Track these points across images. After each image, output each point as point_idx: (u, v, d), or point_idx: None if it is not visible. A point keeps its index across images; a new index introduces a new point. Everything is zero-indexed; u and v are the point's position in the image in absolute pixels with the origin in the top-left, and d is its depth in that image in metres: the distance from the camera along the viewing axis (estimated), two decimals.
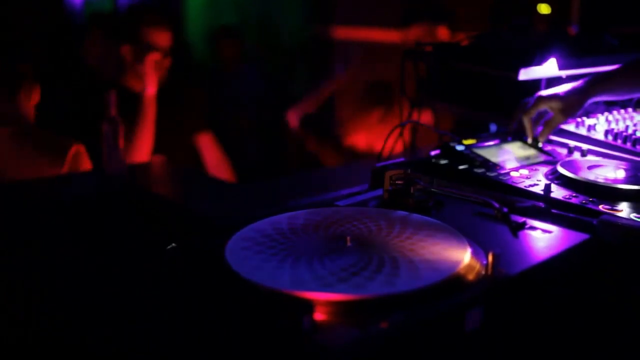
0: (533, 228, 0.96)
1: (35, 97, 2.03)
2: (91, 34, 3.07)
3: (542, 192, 1.09)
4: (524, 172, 1.23)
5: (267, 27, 5.68)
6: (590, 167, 1.23)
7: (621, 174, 1.19)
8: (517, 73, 1.34)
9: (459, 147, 1.31)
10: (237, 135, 4.25)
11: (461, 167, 1.24)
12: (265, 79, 4.49)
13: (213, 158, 2.73)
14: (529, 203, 1.05)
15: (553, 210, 1.03)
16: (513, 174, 1.22)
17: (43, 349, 0.74)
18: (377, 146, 2.37)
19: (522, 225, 0.96)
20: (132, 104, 2.39)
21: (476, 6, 3.53)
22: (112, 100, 1.52)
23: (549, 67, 1.39)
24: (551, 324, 0.92)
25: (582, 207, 1.03)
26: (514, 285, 0.82)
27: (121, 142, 1.54)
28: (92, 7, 5.57)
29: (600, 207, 1.03)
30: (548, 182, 1.14)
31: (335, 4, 3.66)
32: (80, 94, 2.79)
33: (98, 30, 3.01)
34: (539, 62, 1.37)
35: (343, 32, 3.65)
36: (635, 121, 1.55)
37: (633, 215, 1.00)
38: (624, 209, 1.03)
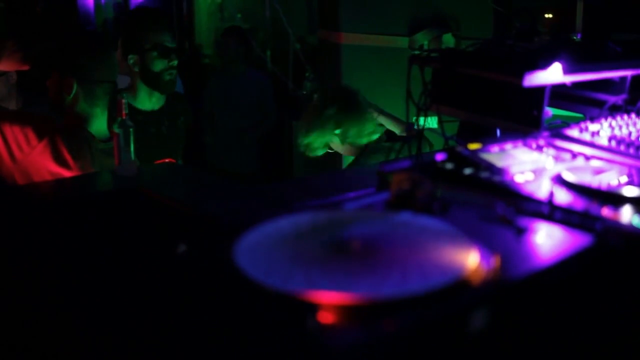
0: (537, 232, 0.97)
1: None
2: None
3: (546, 197, 1.11)
4: (529, 176, 1.25)
5: (274, 32, 5.71)
6: (593, 173, 1.24)
7: (624, 179, 1.21)
8: (521, 78, 1.35)
9: (465, 152, 1.33)
10: (237, 139, 4.25)
11: (467, 171, 1.26)
12: (271, 86, 4.50)
13: None
14: (533, 207, 1.07)
15: (557, 215, 1.04)
16: (518, 178, 1.23)
17: (48, 347, 0.75)
18: None
19: (526, 229, 0.98)
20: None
21: (480, 14, 3.55)
22: (123, 103, 1.54)
23: (554, 72, 1.41)
24: (555, 327, 0.94)
25: (586, 212, 1.05)
26: (518, 288, 0.83)
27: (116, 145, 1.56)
28: (102, 12, 5.61)
29: (604, 212, 1.04)
30: (552, 187, 1.16)
31: (341, 10, 3.68)
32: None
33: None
34: (543, 66, 1.38)
35: (349, 38, 3.67)
36: (638, 127, 1.56)
37: (636, 221, 1.01)
38: (627, 214, 1.04)
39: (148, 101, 2.48)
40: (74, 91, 1.87)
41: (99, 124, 1.93)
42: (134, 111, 2.45)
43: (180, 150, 2.69)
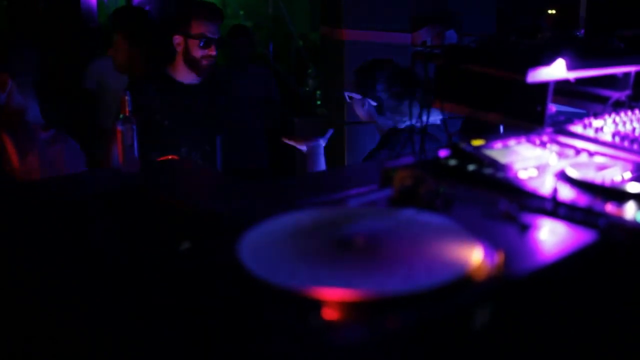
0: (540, 228, 0.97)
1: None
2: (115, 37, 3.02)
3: (549, 193, 1.11)
4: (532, 173, 1.24)
5: (278, 29, 5.70)
6: (597, 169, 1.24)
7: (628, 175, 1.21)
8: (524, 74, 1.35)
9: (468, 148, 1.33)
10: (245, 135, 4.26)
11: (470, 167, 1.26)
12: (275, 80, 4.50)
13: None
14: (537, 204, 1.07)
15: (560, 211, 1.04)
16: (521, 174, 1.23)
17: (52, 346, 0.75)
18: None
19: (530, 226, 0.98)
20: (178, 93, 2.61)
21: (483, 10, 3.54)
22: (126, 100, 1.54)
23: (557, 68, 1.40)
24: (558, 323, 0.94)
25: (589, 208, 1.04)
26: (522, 285, 0.83)
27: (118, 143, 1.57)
28: (105, 9, 5.61)
29: (607, 208, 1.04)
30: (555, 183, 1.16)
31: (344, 7, 3.68)
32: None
33: (121, 32, 2.98)
34: (547, 62, 1.37)
35: (352, 35, 3.67)
36: None
37: (639, 217, 1.01)
38: (630, 210, 1.04)
39: (187, 76, 2.67)
40: (9, 87, 1.89)
41: (34, 114, 1.96)
42: (170, 82, 2.64)
43: (212, 130, 2.79)
